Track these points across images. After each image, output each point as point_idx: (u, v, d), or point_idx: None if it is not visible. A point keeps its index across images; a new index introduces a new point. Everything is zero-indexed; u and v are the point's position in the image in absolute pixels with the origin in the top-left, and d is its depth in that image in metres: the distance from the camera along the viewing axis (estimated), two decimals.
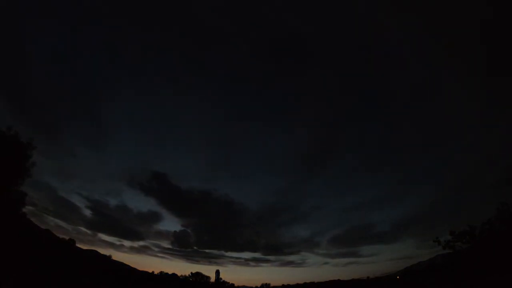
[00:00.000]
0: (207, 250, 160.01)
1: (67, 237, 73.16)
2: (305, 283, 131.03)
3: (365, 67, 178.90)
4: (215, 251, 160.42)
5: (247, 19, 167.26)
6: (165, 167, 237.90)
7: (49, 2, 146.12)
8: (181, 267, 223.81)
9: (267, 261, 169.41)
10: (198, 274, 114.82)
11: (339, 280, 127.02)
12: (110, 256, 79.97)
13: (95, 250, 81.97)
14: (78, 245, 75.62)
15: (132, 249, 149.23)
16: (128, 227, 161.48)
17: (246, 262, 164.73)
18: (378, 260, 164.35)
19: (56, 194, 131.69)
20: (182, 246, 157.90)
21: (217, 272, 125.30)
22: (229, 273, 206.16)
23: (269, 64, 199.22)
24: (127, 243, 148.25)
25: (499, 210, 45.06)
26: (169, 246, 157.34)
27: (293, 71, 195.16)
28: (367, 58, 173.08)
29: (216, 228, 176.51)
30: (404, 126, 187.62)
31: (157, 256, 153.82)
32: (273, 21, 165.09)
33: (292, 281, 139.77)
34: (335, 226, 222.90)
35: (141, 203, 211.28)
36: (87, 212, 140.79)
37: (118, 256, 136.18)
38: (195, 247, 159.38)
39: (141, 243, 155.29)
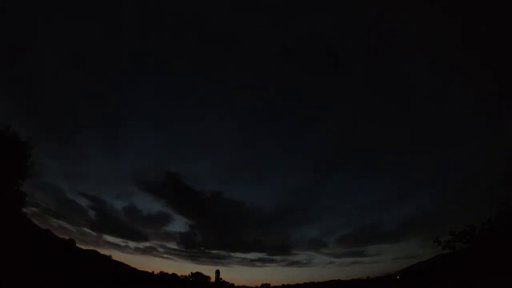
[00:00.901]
0: (213, 251, 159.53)
1: (67, 237, 73.34)
2: (305, 283, 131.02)
3: (376, 72, 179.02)
4: (222, 252, 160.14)
5: (271, 20, 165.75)
6: (179, 168, 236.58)
7: (65, 3, 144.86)
8: (187, 268, 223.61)
9: (273, 261, 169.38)
10: (198, 274, 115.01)
11: (339, 280, 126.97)
12: (110, 256, 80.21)
13: (95, 250, 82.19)
14: (83, 246, 76.33)
15: (137, 250, 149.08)
16: (136, 228, 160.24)
17: (251, 262, 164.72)
18: (382, 260, 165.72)
19: (63, 196, 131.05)
20: (188, 247, 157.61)
21: (217, 272, 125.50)
22: (234, 273, 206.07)
23: (288, 66, 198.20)
24: (132, 244, 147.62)
25: (499, 210, 45.11)
26: (175, 247, 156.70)
27: (311, 74, 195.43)
28: (379, 63, 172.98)
29: (224, 229, 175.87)
30: (413, 130, 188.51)
31: (162, 257, 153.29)
32: (298, 24, 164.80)
33: (294, 281, 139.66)
34: (343, 226, 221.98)
35: (151, 204, 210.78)
36: (94, 214, 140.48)
37: (123, 257, 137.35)
38: (201, 248, 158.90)
39: (147, 244, 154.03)
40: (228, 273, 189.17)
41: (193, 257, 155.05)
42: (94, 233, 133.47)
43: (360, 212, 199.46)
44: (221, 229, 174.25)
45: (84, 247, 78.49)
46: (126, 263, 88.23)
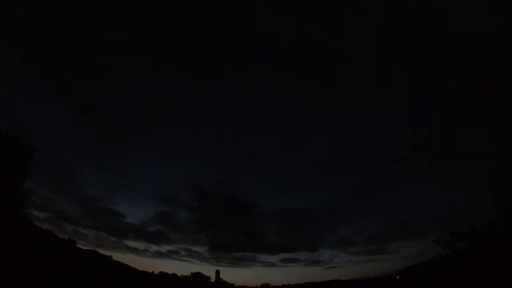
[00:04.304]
0: (240, 253, 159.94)
1: (67, 237, 73.23)
2: (305, 283, 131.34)
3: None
4: (247, 254, 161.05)
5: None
6: (233, 174, 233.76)
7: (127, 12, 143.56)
8: (201, 270, 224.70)
9: (295, 261, 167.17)
10: (198, 274, 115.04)
11: (339, 280, 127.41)
12: (110, 257, 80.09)
13: (95, 250, 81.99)
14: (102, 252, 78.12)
15: (155, 253, 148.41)
16: (163, 232, 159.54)
17: (272, 263, 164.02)
18: (398, 257, 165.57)
19: (93, 203, 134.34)
20: (213, 250, 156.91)
21: (217, 272, 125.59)
22: (252, 274, 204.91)
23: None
24: (154, 247, 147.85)
25: (499, 210, 45.12)
26: (199, 250, 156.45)
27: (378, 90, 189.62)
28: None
29: (260, 234, 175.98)
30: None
31: (181, 260, 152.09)
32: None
33: (294, 281, 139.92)
34: (375, 224, 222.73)
35: (190, 210, 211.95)
36: (113, 218, 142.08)
37: (142, 262, 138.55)
38: (226, 251, 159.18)
39: (169, 247, 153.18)
40: (247, 274, 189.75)
41: (214, 259, 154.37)
42: (114, 238, 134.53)
43: (393, 211, 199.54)
44: (256, 234, 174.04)
45: (101, 251, 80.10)
46: (123, 262, 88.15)
